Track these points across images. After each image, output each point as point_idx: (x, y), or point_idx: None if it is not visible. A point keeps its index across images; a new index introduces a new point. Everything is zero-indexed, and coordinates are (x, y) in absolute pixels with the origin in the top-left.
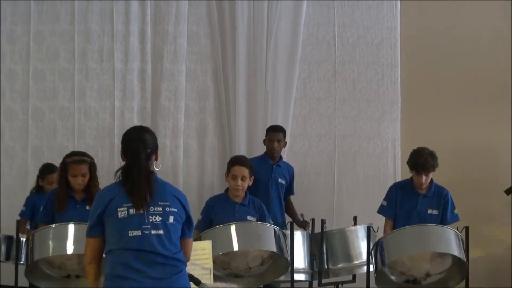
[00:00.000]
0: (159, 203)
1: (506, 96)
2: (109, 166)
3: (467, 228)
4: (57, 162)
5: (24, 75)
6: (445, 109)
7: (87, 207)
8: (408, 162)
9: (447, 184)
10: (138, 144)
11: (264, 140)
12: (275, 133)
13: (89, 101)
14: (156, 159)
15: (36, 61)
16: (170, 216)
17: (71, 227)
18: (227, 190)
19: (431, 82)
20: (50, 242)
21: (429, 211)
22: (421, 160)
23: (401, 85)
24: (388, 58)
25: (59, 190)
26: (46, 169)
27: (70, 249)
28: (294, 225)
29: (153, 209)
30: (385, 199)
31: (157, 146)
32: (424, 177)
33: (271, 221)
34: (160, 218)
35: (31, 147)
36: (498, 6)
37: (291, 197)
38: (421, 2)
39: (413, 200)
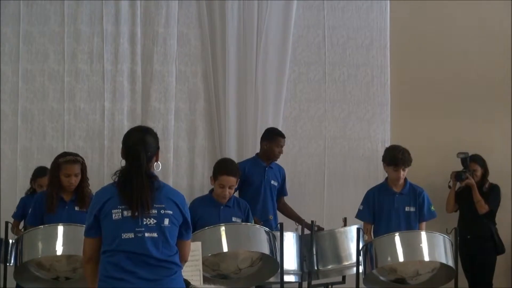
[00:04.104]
0: (154, 205)
1: (497, 96)
2: (98, 168)
3: (456, 230)
4: (46, 163)
5: (14, 76)
6: (435, 110)
7: (76, 208)
8: (384, 159)
9: (437, 185)
10: (139, 147)
11: (265, 144)
12: (283, 139)
13: (79, 103)
14: (156, 160)
15: (26, 62)
16: (165, 219)
17: (60, 228)
18: (211, 191)
19: (421, 84)
20: (39, 243)
21: (407, 209)
22: (399, 154)
23: (391, 86)
24: (378, 59)
25: (51, 191)
26: (38, 172)
27: (59, 250)
28: (284, 226)
29: (147, 211)
30: (361, 203)
31: (158, 147)
32: (402, 172)
33: (252, 223)
34: (155, 221)
35: (21, 148)
36: (488, 6)
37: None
38: (410, 3)
39: (390, 199)
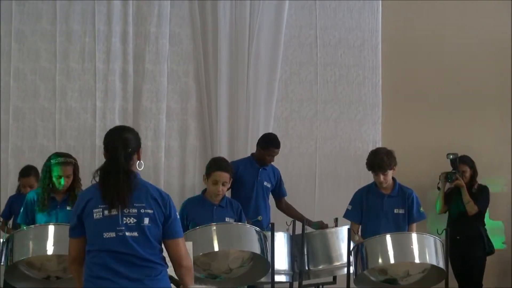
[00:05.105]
0: (134, 204)
1: (488, 98)
2: (90, 167)
3: (447, 231)
4: (37, 162)
5: (5, 75)
6: (425, 111)
7: (68, 208)
8: (366, 164)
9: (427, 186)
10: (117, 144)
11: (258, 149)
12: (277, 149)
13: (70, 102)
14: (138, 159)
15: (17, 61)
16: (145, 218)
17: (51, 228)
18: (204, 191)
19: (412, 84)
20: (30, 243)
21: (396, 211)
22: (376, 160)
23: (382, 87)
24: (370, 60)
25: (43, 191)
26: (22, 172)
27: (50, 249)
28: (275, 226)
29: (127, 210)
30: (350, 203)
31: (139, 146)
32: (382, 176)
33: (245, 223)
34: (135, 220)
35: (12, 147)
36: (481, 7)
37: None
38: (402, 4)
39: (379, 201)
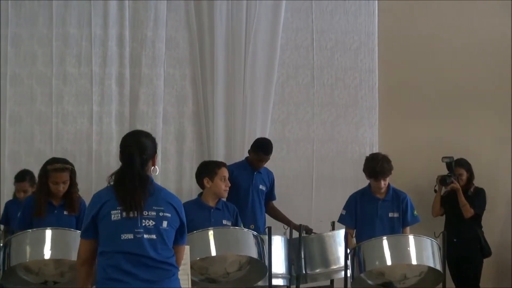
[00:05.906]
0: (153, 207)
1: (485, 100)
2: (86, 171)
3: (443, 234)
4: (34, 167)
5: (2, 79)
6: (423, 113)
7: (65, 212)
8: (364, 170)
9: (424, 188)
10: (133, 149)
11: (249, 151)
12: (267, 156)
13: (67, 106)
14: (153, 165)
15: (14, 65)
16: (164, 221)
17: (48, 233)
18: (200, 195)
19: (409, 87)
20: (27, 247)
21: (390, 215)
22: (377, 166)
23: (379, 90)
24: (366, 63)
25: (39, 196)
26: (17, 177)
27: (47, 254)
28: (272, 230)
29: (146, 213)
30: (344, 208)
31: (155, 152)
32: (382, 182)
33: (241, 226)
34: (153, 223)
35: (9, 151)
36: (475, 9)
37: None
38: (398, 6)
39: (373, 206)
